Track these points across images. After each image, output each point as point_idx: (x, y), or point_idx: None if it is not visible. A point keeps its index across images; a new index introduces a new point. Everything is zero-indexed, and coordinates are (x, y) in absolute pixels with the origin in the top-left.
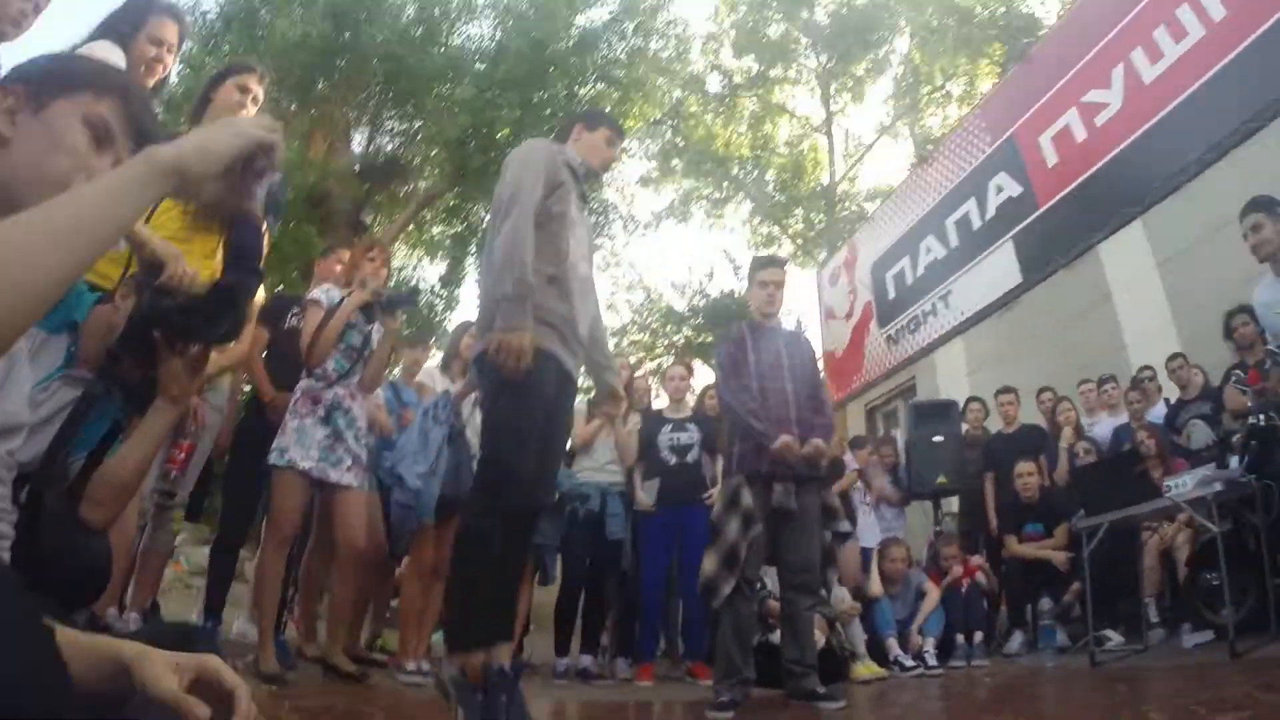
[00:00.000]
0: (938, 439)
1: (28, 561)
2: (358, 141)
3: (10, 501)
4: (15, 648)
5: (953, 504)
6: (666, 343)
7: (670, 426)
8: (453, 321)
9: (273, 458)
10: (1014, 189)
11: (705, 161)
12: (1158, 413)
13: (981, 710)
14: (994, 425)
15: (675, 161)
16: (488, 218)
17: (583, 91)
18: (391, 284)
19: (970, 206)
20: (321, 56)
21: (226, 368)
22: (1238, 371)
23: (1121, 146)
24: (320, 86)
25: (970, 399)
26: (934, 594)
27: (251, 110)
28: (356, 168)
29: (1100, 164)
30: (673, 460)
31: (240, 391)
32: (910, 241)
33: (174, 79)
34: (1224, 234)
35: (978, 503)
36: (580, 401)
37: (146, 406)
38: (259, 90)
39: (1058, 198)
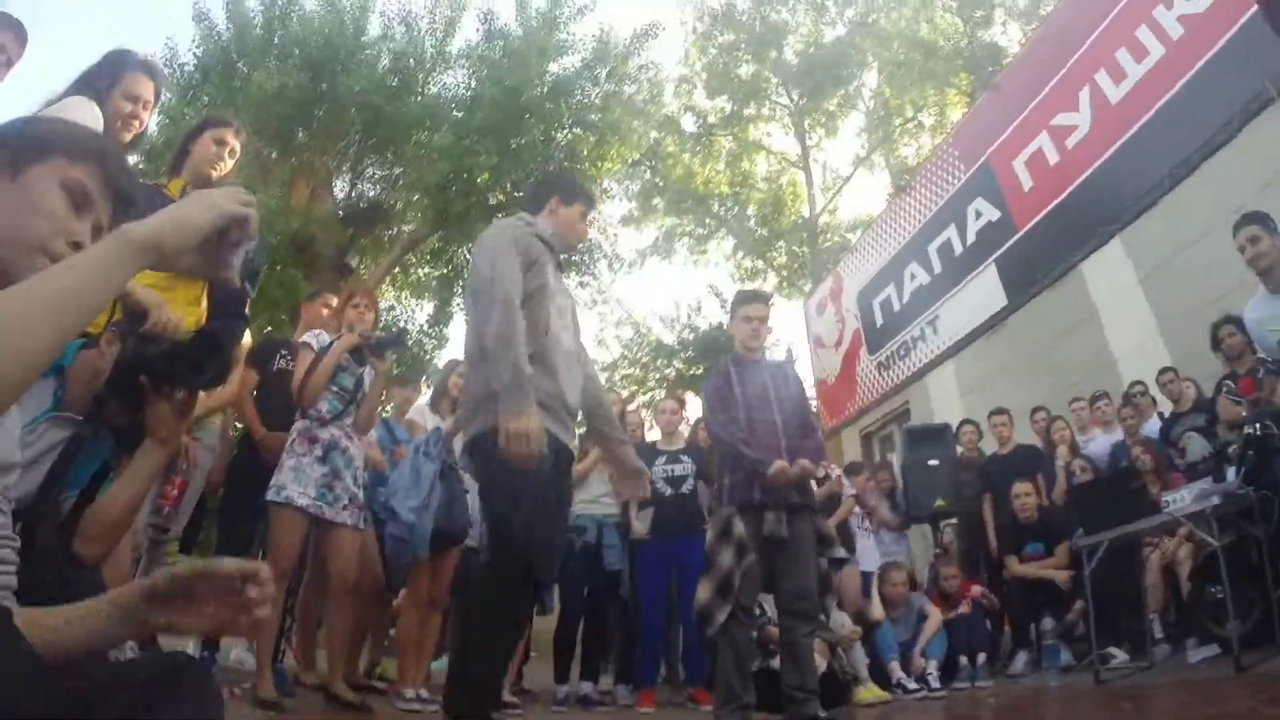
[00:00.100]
0: (933, 462)
1: (21, 595)
2: (340, 187)
3: (11, 529)
4: None
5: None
6: (658, 376)
7: (664, 459)
8: (442, 359)
9: (270, 494)
10: (992, 213)
11: (685, 199)
12: (1152, 427)
13: None
14: (988, 447)
15: (656, 200)
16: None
17: (559, 136)
18: (380, 326)
19: (951, 232)
20: (299, 107)
21: (214, 409)
22: (1228, 382)
23: (1094, 167)
24: (300, 136)
25: (964, 421)
26: (936, 616)
27: (229, 163)
28: (340, 213)
29: (1075, 185)
30: (668, 491)
31: (232, 428)
32: (894, 269)
33: (153, 129)
34: (1202, 246)
35: (976, 524)
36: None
37: (135, 447)
38: (236, 143)
39: (1036, 220)
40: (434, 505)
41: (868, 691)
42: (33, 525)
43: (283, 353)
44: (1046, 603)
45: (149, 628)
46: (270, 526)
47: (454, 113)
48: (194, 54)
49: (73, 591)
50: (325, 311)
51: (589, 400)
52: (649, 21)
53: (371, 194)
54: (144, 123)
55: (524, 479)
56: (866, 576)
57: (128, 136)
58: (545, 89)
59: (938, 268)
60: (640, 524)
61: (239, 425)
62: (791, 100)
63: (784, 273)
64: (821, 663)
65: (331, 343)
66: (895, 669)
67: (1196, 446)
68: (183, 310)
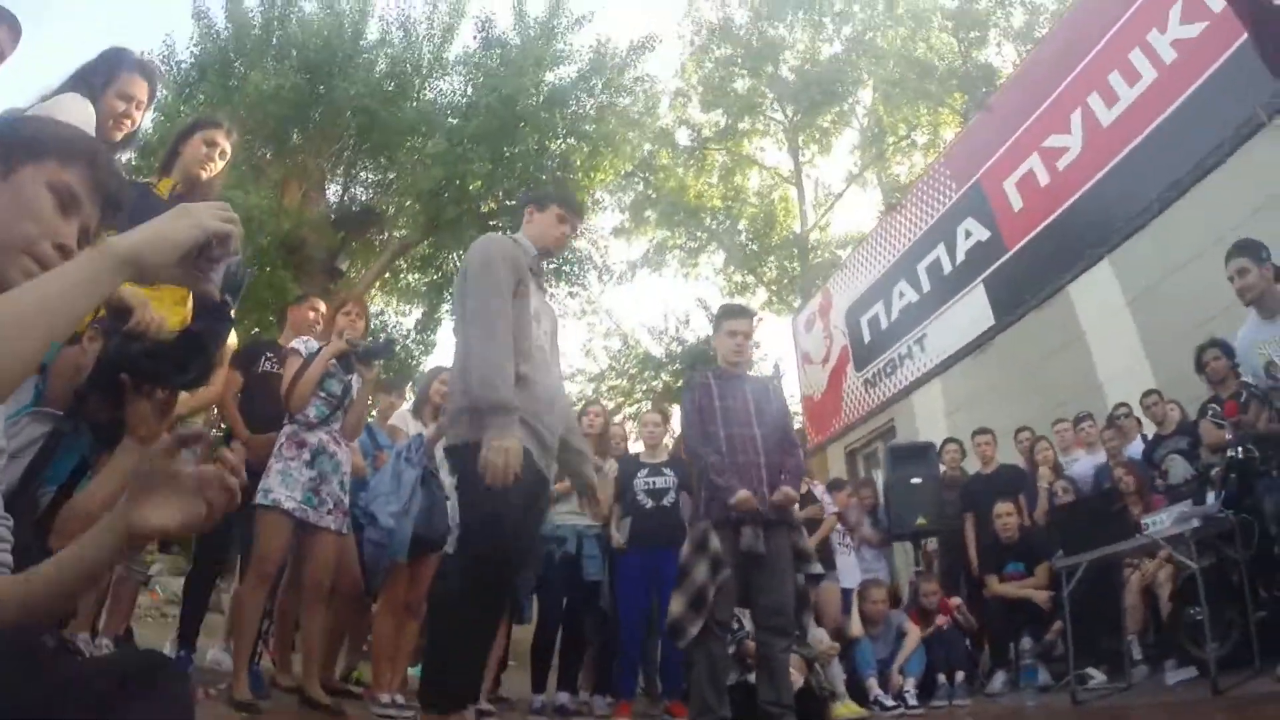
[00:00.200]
0: (916, 480)
1: None
2: (332, 191)
3: (2, 509)
4: None
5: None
6: (644, 388)
7: (646, 471)
8: (428, 366)
9: (258, 498)
10: (982, 233)
11: (677, 212)
12: (1136, 448)
13: None
14: (972, 466)
15: (648, 212)
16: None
17: (553, 146)
18: (369, 334)
19: (940, 251)
20: (295, 108)
21: (197, 409)
22: (1213, 406)
23: (1084, 189)
24: (295, 137)
25: (947, 440)
26: (914, 634)
27: (219, 164)
28: (331, 216)
29: (1065, 206)
30: (649, 504)
31: (217, 430)
32: (883, 287)
33: (148, 126)
34: (1190, 269)
35: (958, 543)
36: None
37: (115, 444)
38: (226, 145)
39: (1025, 240)
40: (414, 511)
41: (845, 708)
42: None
43: (268, 355)
44: (1026, 622)
45: (134, 540)
46: (257, 529)
47: (449, 119)
48: (191, 52)
49: None
50: (312, 315)
51: (563, 419)
52: (646, 34)
53: (364, 198)
54: (136, 122)
55: (501, 494)
56: (847, 593)
57: (119, 136)
58: (541, 98)
59: (926, 286)
60: (619, 534)
61: (223, 427)
62: (786, 116)
63: (773, 288)
64: (799, 678)
65: (320, 349)
66: (873, 686)
67: (1179, 469)
68: (168, 310)
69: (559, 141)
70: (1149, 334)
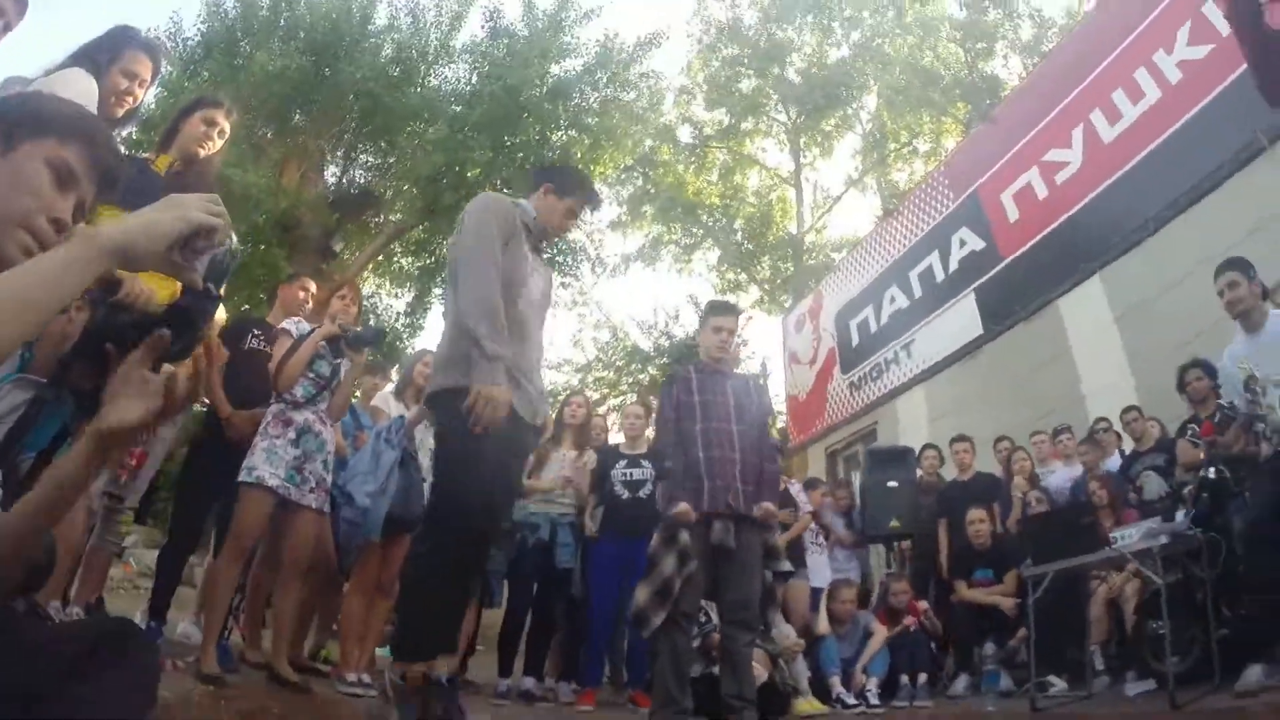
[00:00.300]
0: (892, 484)
1: None
2: (331, 172)
3: None
4: None
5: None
6: (631, 380)
7: (625, 462)
8: (416, 349)
9: (242, 475)
10: (976, 243)
11: (675, 208)
12: (1115, 463)
13: None
14: (950, 473)
15: (645, 207)
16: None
17: (554, 137)
18: (361, 316)
19: (934, 259)
20: (299, 89)
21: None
22: (1192, 425)
23: (1081, 204)
24: (297, 118)
25: (926, 446)
26: (880, 635)
27: (217, 143)
28: (329, 197)
29: (1060, 221)
30: (625, 495)
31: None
32: (875, 291)
33: (151, 101)
34: (1180, 289)
35: (930, 547)
36: None
37: (96, 413)
38: (226, 124)
39: (1019, 252)
40: (390, 491)
41: (807, 704)
42: None
43: (255, 332)
44: (992, 628)
45: (102, 439)
46: (239, 505)
47: (452, 106)
48: (199, 30)
49: None
50: (302, 294)
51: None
52: (654, 30)
53: (362, 181)
54: (138, 100)
55: (483, 438)
56: (816, 592)
57: (120, 113)
58: (545, 89)
59: (918, 293)
60: (592, 523)
61: (205, 402)
62: (789, 117)
63: (766, 287)
64: (763, 673)
65: (311, 331)
66: (836, 684)
67: (1154, 485)
68: (157, 283)
69: (560, 133)
70: (1135, 351)
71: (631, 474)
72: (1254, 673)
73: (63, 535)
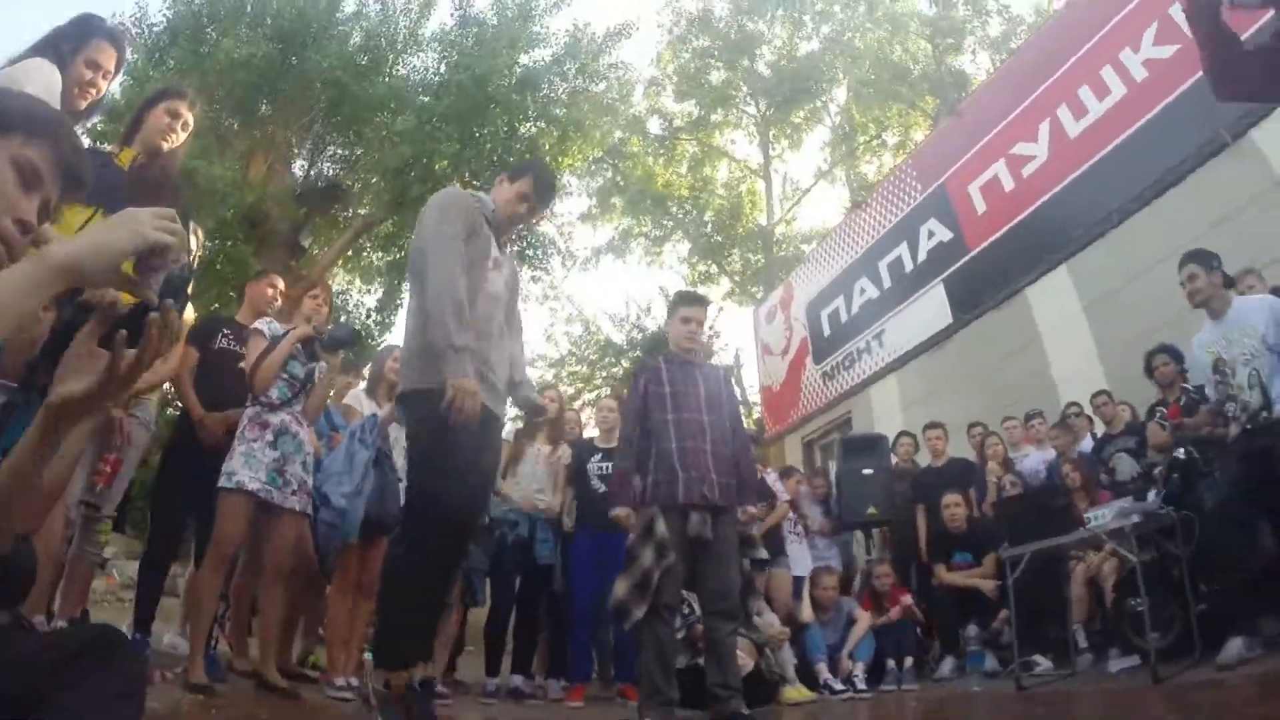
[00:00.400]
0: (867, 471)
1: None
2: (298, 165)
3: None
4: None
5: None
6: (604, 374)
7: (599, 455)
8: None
9: (222, 481)
10: (945, 234)
11: (644, 200)
12: (1087, 446)
13: None
14: (924, 459)
15: (615, 199)
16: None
17: (523, 129)
18: (332, 314)
19: (902, 250)
20: (265, 77)
21: (154, 384)
22: (1160, 408)
23: (1047, 196)
24: (263, 108)
25: (901, 434)
26: (864, 621)
27: (181, 135)
28: (296, 191)
29: (1027, 212)
30: (601, 488)
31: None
32: (845, 282)
33: (116, 90)
34: (1145, 280)
35: (908, 533)
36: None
37: None
38: (189, 115)
39: (987, 243)
40: (366, 491)
41: (794, 691)
42: None
43: (225, 332)
44: (973, 611)
45: (53, 409)
46: (219, 512)
47: (420, 97)
48: (165, 15)
49: (4, 560)
50: (270, 292)
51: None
52: (624, 21)
53: (330, 173)
54: (102, 91)
55: (454, 432)
56: (798, 580)
57: (83, 104)
58: (513, 80)
59: (887, 283)
60: (568, 518)
61: (178, 405)
62: (759, 110)
63: (737, 278)
64: (749, 662)
65: (285, 332)
66: (822, 670)
67: (1126, 466)
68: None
69: (529, 124)
70: (1103, 338)
71: (606, 467)
72: (1234, 646)
73: (42, 544)
